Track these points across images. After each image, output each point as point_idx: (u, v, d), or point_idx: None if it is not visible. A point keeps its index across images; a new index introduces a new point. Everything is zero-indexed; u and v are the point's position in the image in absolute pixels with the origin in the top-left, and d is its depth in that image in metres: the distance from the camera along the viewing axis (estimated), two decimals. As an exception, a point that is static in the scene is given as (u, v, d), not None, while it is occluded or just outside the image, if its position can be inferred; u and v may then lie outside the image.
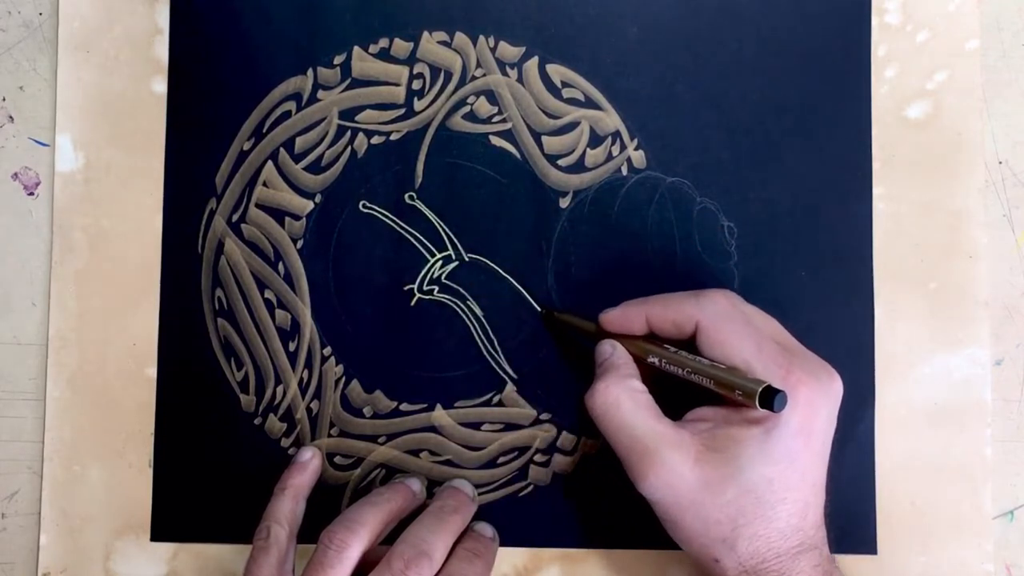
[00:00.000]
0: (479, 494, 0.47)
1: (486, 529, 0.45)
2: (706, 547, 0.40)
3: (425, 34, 0.47)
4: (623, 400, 0.41)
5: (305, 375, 0.47)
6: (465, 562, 0.42)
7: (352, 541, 0.41)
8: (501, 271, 0.47)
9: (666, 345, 0.43)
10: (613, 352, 0.43)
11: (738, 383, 0.39)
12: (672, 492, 0.40)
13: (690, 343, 0.42)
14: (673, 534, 0.41)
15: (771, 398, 0.38)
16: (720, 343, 0.41)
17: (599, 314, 0.45)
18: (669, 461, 0.39)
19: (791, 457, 0.39)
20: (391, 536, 0.43)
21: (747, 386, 0.39)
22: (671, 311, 0.42)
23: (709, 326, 0.41)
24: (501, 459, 0.47)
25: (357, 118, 0.48)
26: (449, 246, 0.47)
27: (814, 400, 0.40)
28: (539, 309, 0.47)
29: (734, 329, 0.41)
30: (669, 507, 0.40)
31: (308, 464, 0.46)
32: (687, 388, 0.42)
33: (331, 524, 0.42)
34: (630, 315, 0.44)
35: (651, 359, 0.43)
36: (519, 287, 0.47)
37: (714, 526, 0.39)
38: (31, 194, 0.48)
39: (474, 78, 0.48)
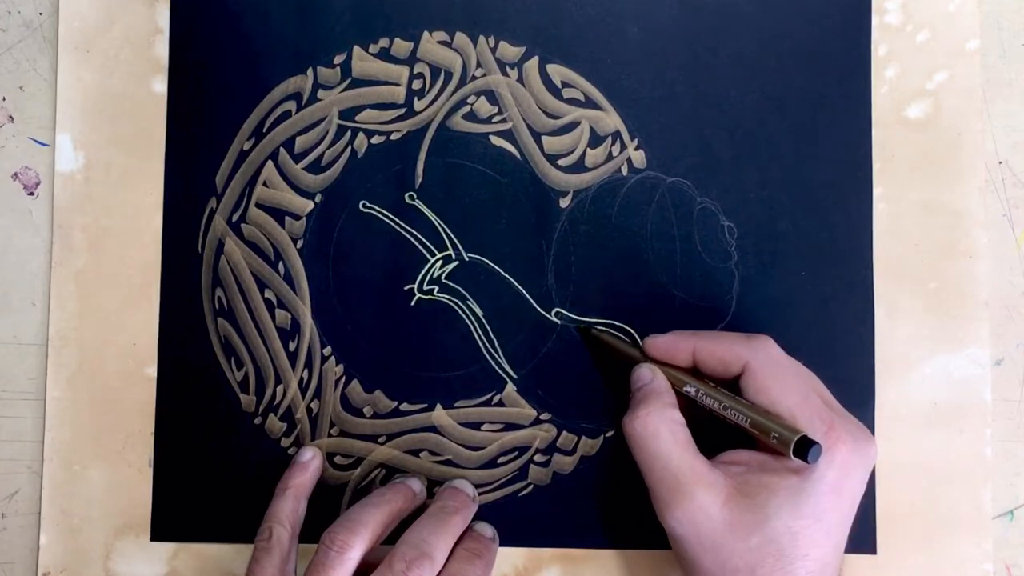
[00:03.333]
0: (479, 494, 0.47)
1: (486, 529, 0.45)
2: None
3: (425, 34, 0.47)
4: (662, 430, 0.41)
5: (305, 375, 0.47)
6: (465, 562, 0.42)
7: (354, 542, 0.41)
8: (501, 271, 0.47)
9: (706, 379, 0.43)
10: (654, 378, 0.43)
11: (775, 428, 0.39)
12: (696, 530, 0.40)
13: (730, 384, 0.42)
14: (688, 573, 0.41)
15: (806, 449, 0.38)
16: (767, 388, 0.41)
17: (644, 339, 0.45)
18: (699, 499, 0.39)
19: (819, 514, 0.39)
20: (392, 536, 0.43)
21: (784, 433, 0.39)
22: (721, 348, 0.43)
23: (758, 369, 0.41)
24: (501, 459, 0.47)
25: (357, 118, 0.48)
26: (449, 246, 0.47)
27: (851, 461, 0.40)
28: (572, 324, 0.47)
29: (783, 377, 0.41)
30: (690, 545, 0.40)
31: (309, 464, 0.46)
32: (718, 429, 0.42)
33: (332, 525, 0.42)
34: (679, 345, 0.44)
35: (687, 389, 0.43)
36: (519, 287, 0.47)
37: (731, 572, 0.39)
38: (31, 194, 0.48)
39: (474, 78, 0.48)
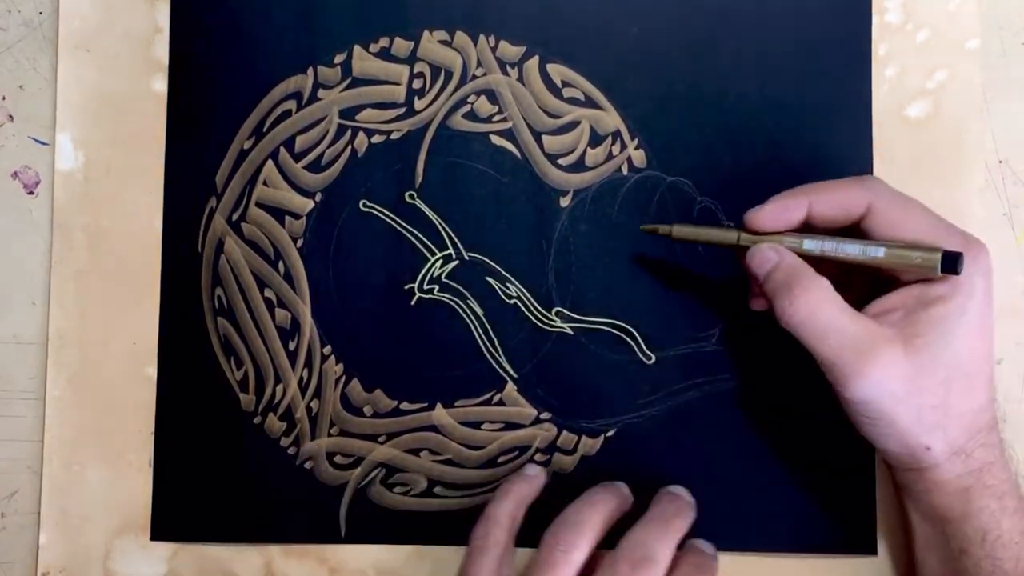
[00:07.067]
0: (478, 493, 0.47)
1: (707, 546, 0.44)
2: (918, 436, 0.39)
3: (426, 33, 0.48)
4: (824, 302, 0.39)
5: (305, 374, 0.47)
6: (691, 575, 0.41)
7: (579, 543, 0.41)
8: (501, 270, 0.47)
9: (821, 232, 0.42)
10: (782, 257, 0.41)
11: (918, 252, 0.39)
12: (889, 387, 0.39)
13: (849, 230, 0.41)
14: (882, 431, 0.40)
15: (952, 263, 0.38)
16: (900, 221, 0.40)
17: (744, 215, 0.42)
18: (884, 356, 0.38)
19: (985, 325, 0.40)
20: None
21: (927, 255, 0.39)
22: (840, 193, 0.41)
23: (884, 206, 0.40)
24: (501, 458, 0.47)
25: (357, 117, 0.48)
26: (449, 245, 0.47)
27: (989, 264, 0.40)
28: (654, 228, 0.45)
29: (909, 207, 0.41)
30: (886, 402, 0.39)
31: (534, 479, 0.45)
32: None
33: (554, 525, 0.42)
34: (788, 205, 0.41)
35: (808, 247, 0.41)
36: (519, 286, 0.47)
37: (928, 412, 0.39)
38: (31, 193, 0.48)
39: (474, 77, 0.48)
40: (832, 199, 0.41)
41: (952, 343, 0.39)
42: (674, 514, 0.43)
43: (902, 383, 0.39)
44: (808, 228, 0.42)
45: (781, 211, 0.42)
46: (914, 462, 0.41)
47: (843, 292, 0.40)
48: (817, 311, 0.39)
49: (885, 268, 0.40)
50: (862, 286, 0.43)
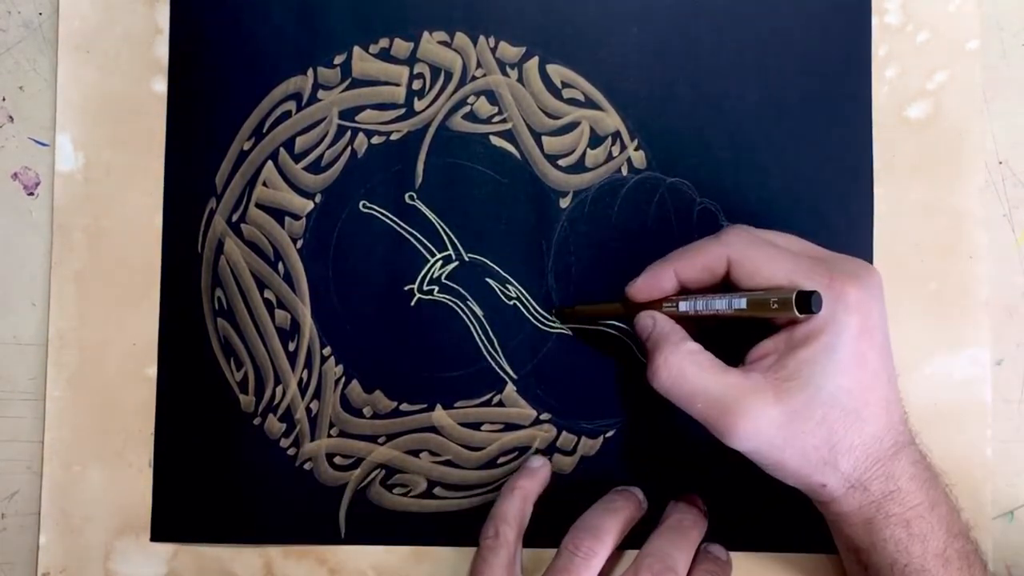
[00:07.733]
0: (477, 495, 0.47)
1: (721, 552, 0.45)
2: (811, 475, 0.39)
3: (425, 34, 0.47)
4: (686, 366, 0.40)
5: (305, 375, 0.47)
6: None
7: (599, 549, 0.41)
8: (501, 271, 0.47)
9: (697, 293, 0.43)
10: (655, 322, 0.42)
11: (771, 296, 0.39)
12: (765, 436, 0.39)
13: (724, 286, 0.42)
14: (776, 475, 0.41)
15: (809, 302, 0.38)
16: (756, 271, 0.40)
17: (626, 288, 0.44)
18: (752, 408, 0.39)
19: (862, 360, 0.39)
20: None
21: (781, 296, 0.38)
22: (699, 257, 0.42)
23: (741, 258, 0.41)
24: (501, 459, 0.47)
25: (357, 118, 0.48)
26: (449, 246, 0.47)
27: (864, 299, 0.39)
28: (550, 311, 0.47)
29: (766, 254, 0.40)
30: (766, 451, 0.39)
31: (538, 471, 0.46)
32: (737, 336, 0.42)
33: (574, 530, 0.42)
34: (658, 276, 0.43)
35: (683, 308, 0.42)
36: (519, 287, 0.47)
37: (813, 452, 0.39)
38: (31, 194, 0.48)
39: (474, 78, 0.48)
40: (692, 263, 0.42)
41: (824, 383, 0.38)
42: (691, 524, 0.43)
43: (777, 430, 0.39)
44: (687, 290, 0.43)
45: (652, 282, 0.43)
46: (816, 496, 0.41)
47: (751, 342, 0.41)
48: (680, 376, 0.40)
49: (755, 316, 0.40)
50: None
